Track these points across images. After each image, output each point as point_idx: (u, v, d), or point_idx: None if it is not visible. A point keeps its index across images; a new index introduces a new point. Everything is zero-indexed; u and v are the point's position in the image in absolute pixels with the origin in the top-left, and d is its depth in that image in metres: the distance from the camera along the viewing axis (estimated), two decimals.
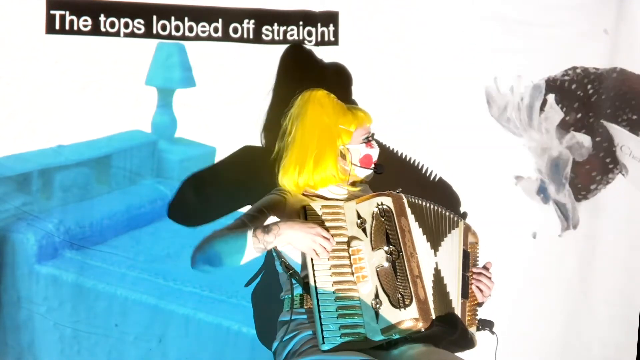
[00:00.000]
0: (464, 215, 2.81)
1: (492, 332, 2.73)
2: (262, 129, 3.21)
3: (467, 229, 2.71)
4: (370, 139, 2.74)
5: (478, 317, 2.70)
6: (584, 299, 3.57)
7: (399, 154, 3.32)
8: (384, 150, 3.13)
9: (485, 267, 2.73)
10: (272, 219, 2.59)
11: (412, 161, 3.36)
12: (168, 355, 3.20)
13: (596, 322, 3.57)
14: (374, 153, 2.75)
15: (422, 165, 3.37)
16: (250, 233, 2.45)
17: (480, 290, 2.68)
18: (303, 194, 2.71)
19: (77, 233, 3.14)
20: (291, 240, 2.46)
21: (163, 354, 3.20)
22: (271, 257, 2.69)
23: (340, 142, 2.69)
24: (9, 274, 3.10)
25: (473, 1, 3.42)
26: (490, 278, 2.70)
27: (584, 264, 3.56)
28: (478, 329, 2.69)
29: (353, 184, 2.77)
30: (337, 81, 3.26)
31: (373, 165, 2.74)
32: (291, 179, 2.69)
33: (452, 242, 2.64)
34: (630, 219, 3.61)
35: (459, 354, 2.57)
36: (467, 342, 2.61)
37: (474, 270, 2.69)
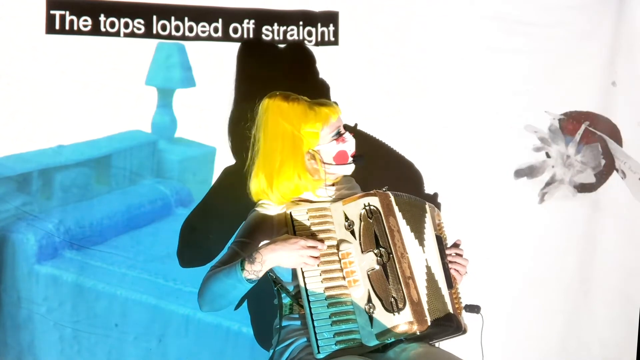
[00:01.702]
0: (435, 196, 2.71)
1: (477, 312, 2.65)
2: (228, 134, 3.20)
3: (433, 211, 2.63)
4: (341, 132, 2.60)
5: (463, 302, 2.62)
6: (584, 299, 3.57)
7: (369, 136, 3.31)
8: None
9: (455, 245, 2.65)
10: (262, 238, 2.51)
11: (380, 143, 3.33)
12: (168, 355, 3.21)
13: (596, 322, 3.57)
14: (348, 147, 2.60)
15: (386, 145, 3.34)
16: (239, 267, 2.37)
17: (458, 272, 2.61)
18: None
19: (77, 233, 3.14)
20: (278, 263, 2.39)
21: (163, 354, 3.20)
22: None
23: (306, 146, 2.56)
24: (9, 274, 3.10)
25: (473, 1, 3.42)
26: (462, 255, 2.62)
27: (584, 264, 3.56)
28: (465, 310, 2.65)
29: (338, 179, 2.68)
30: (298, 62, 3.21)
31: (351, 159, 2.62)
32: (262, 192, 2.57)
33: (428, 232, 2.57)
34: (630, 218, 3.61)
35: (449, 342, 2.55)
36: (459, 330, 2.55)
37: (448, 253, 2.61)
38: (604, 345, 3.60)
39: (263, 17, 3.25)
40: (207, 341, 3.21)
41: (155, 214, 3.22)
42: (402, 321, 2.34)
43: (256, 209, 2.61)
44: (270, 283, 2.63)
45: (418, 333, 2.39)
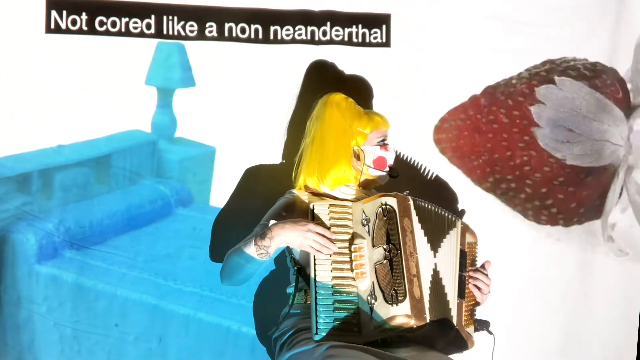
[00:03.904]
0: (461, 213, 2.83)
1: (490, 332, 2.74)
2: (285, 135, 3.22)
3: (465, 229, 2.74)
4: (385, 142, 2.81)
5: (475, 317, 2.70)
6: (584, 299, 3.57)
7: (399, 154, 3.32)
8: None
9: (482, 266, 2.76)
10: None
11: (410, 160, 3.35)
12: (168, 355, 3.20)
13: (596, 322, 3.57)
14: (389, 156, 2.81)
15: (419, 164, 3.36)
16: (252, 243, 2.54)
17: (479, 289, 2.70)
18: (314, 194, 2.76)
19: (77, 233, 3.14)
20: (285, 240, 2.54)
21: (163, 354, 3.20)
22: (283, 256, 2.73)
23: (354, 143, 2.77)
24: (9, 274, 3.10)
25: (473, 1, 3.42)
26: (487, 275, 2.74)
27: (584, 264, 3.56)
28: (476, 330, 2.69)
29: (366, 185, 2.81)
30: (358, 92, 3.24)
31: (387, 169, 2.80)
32: (314, 179, 2.76)
33: (450, 243, 2.67)
34: (630, 217, 3.62)
35: (456, 355, 2.59)
36: (463, 343, 2.62)
37: (471, 269, 2.72)
38: (604, 345, 3.60)
39: (263, 17, 3.25)
40: (207, 341, 3.21)
41: (155, 214, 3.22)
42: (399, 313, 2.41)
43: (286, 195, 2.78)
44: (276, 280, 2.69)
45: (414, 328, 2.43)
